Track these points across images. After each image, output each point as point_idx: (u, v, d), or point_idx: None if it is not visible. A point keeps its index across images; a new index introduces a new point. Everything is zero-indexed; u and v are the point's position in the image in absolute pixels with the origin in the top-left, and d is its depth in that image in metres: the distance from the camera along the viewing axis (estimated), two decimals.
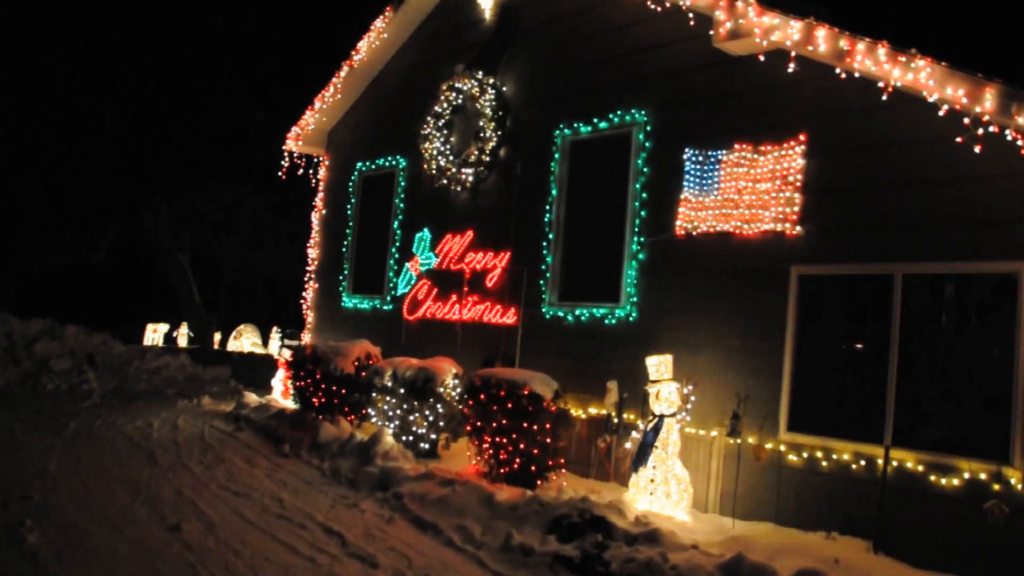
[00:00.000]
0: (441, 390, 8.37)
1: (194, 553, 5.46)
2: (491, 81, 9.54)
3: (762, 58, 6.86)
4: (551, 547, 6.05)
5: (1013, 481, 5.38)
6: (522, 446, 7.39)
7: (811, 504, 6.39)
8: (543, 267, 8.82)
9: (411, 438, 8.46)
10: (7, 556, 5.15)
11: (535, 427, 7.37)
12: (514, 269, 9.11)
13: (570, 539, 6.12)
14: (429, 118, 10.32)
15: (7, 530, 5.65)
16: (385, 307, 10.96)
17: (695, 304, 7.41)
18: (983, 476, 5.51)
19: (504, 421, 7.43)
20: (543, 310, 8.74)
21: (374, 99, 11.74)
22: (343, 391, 9.35)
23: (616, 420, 7.57)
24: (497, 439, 7.49)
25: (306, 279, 12.59)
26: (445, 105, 10.13)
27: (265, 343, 20.37)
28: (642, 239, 7.87)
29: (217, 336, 20.26)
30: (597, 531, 6.10)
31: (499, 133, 9.41)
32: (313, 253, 12.64)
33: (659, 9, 7.72)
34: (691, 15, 7.37)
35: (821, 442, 6.38)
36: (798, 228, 6.72)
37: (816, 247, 6.63)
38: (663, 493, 6.78)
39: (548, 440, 7.46)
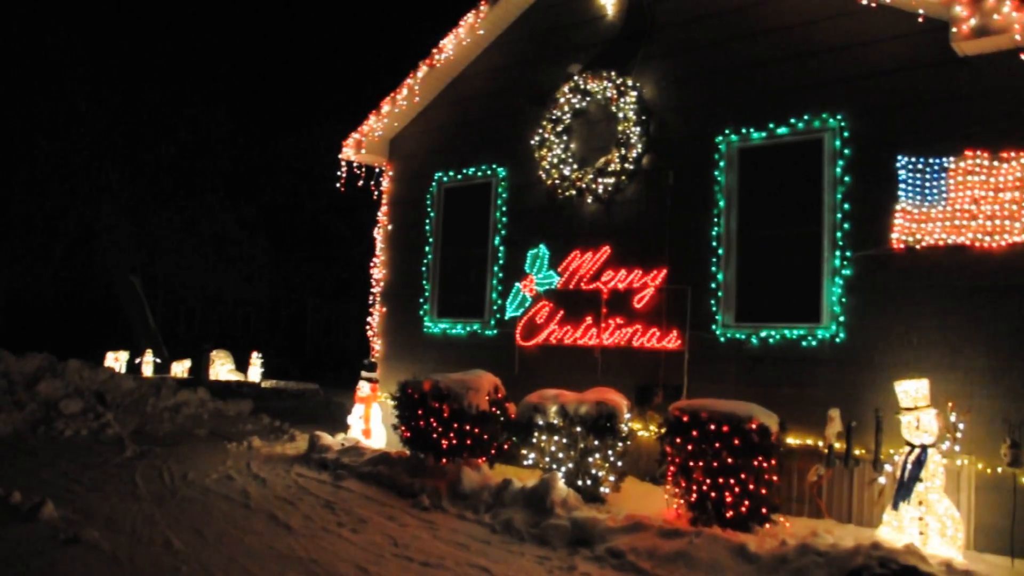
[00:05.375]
0: (622, 427, 7.49)
1: None
2: (630, 82, 8.73)
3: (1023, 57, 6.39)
4: None
5: None
6: (751, 486, 6.62)
7: None
8: (712, 285, 8.08)
9: (589, 482, 7.51)
10: None
11: (765, 464, 6.64)
12: (672, 288, 8.32)
13: None
14: (545, 123, 9.38)
15: None
16: (488, 332, 9.90)
17: (922, 322, 6.87)
18: None
19: (729, 459, 6.65)
20: (716, 332, 8.00)
21: (455, 102, 10.66)
22: (476, 430, 8.27)
23: (840, 452, 6.93)
24: (719, 479, 6.69)
25: (370, 303, 11.32)
26: (566, 109, 9.23)
27: (241, 369, 18.64)
28: (848, 253, 7.28)
29: (187, 363, 18.34)
30: None
31: (644, 139, 8.61)
32: (378, 273, 11.37)
33: (874, 4, 7.16)
34: (920, 12, 6.84)
35: None
36: None
37: None
38: (935, 531, 6.17)
39: (776, 478, 6.74)
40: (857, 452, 6.98)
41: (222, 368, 17.91)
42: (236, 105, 18.67)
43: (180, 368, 18.24)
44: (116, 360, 17.40)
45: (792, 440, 7.36)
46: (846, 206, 7.35)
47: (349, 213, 21.71)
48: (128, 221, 17.67)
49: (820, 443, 7.22)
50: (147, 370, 17.98)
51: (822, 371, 7.35)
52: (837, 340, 7.29)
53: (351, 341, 26.18)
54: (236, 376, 17.88)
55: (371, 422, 10.07)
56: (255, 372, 18.06)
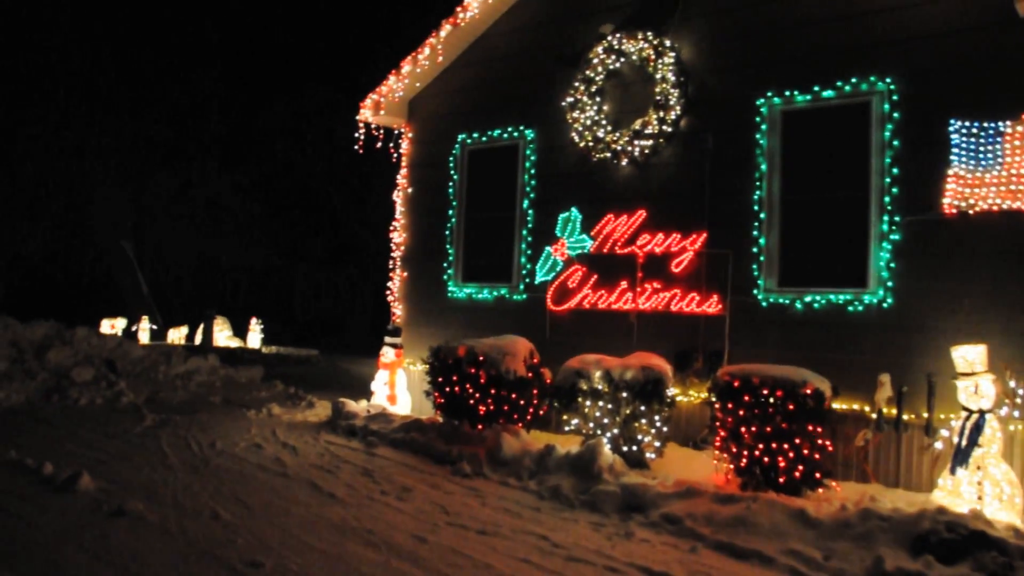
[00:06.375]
0: (667, 392, 7.45)
1: None
2: (668, 43, 8.54)
3: None
4: (939, 571, 5.35)
5: None
6: (805, 452, 6.63)
7: None
8: (754, 250, 8.01)
9: (634, 447, 7.48)
10: None
11: (819, 429, 6.64)
12: (712, 252, 8.24)
13: (951, 559, 5.43)
14: (577, 84, 9.18)
15: None
16: (516, 297, 9.76)
17: (975, 288, 6.87)
18: None
19: (783, 424, 6.63)
20: (758, 297, 7.95)
21: (478, 63, 10.38)
22: (513, 396, 8.19)
23: (889, 417, 6.95)
24: (772, 445, 6.68)
25: (391, 267, 11.11)
26: (599, 69, 9.02)
27: (239, 335, 18.37)
28: (896, 218, 7.23)
29: (184, 329, 18.02)
30: (985, 548, 5.45)
31: (682, 101, 8.45)
32: (399, 237, 11.15)
33: None
34: None
35: None
36: None
37: None
38: (992, 496, 6.22)
39: (829, 443, 6.75)
40: (906, 417, 6.98)
41: (220, 334, 17.62)
42: (230, 66, 18.13)
43: (177, 335, 17.92)
44: (112, 327, 17.05)
45: (838, 405, 7.35)
46: (895, 170, 7.28)
47: (343, 178, 21.36)
48: (120, 185, 17.19)
49: (867, 408, 7.24)
50: (143, 337, 17.63)
51: (869, 336, 7.33)
52: (885, 305, 7.26)
53: (341, 306, 25.94)
54: (235, 342, 17.61)
55: (396, 388, 9.94)
56: (255, 338, 17.79)
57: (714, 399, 7.00)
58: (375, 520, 6.16)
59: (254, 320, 17.77)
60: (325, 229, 23.58)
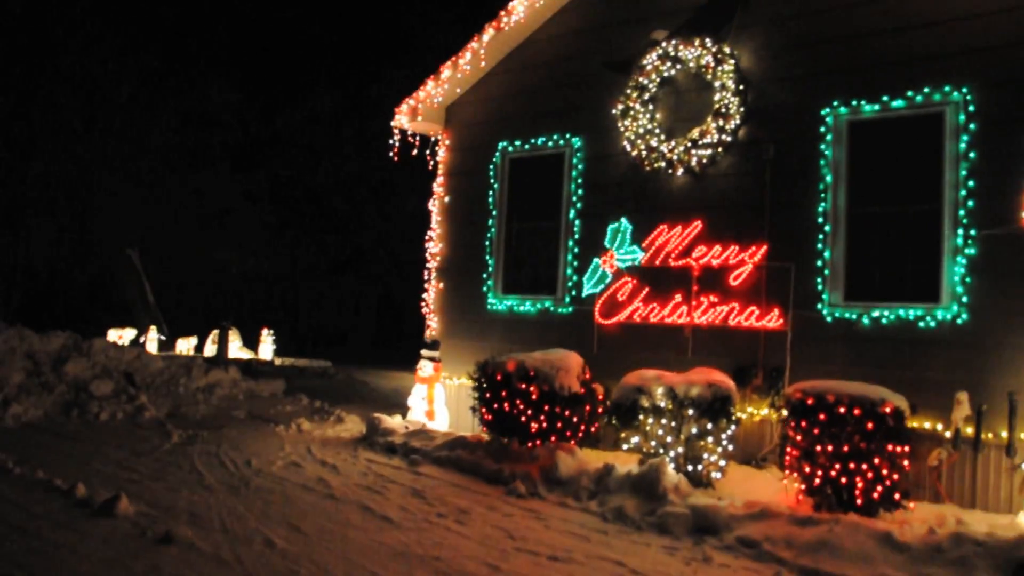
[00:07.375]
0: (733, 409, 7.18)
1: None
2: (727, 50, 8.30)
3: None
4: None
5: None
6: (884, 472, 6.36)
7: None
8: (819, 263, 7.76)
9: (699, 467, 7.19)
10: None
11: (899, 448, 6.38)
12: (773, 265, 7.98)
13: None
14: (629, 91, 8.92)
15: None
16: (561, 309, 9.46)
17: None
18: None
19: (862, 444, 6.37)
20: (822, 311, 7.69)
21: (522, 68, 10.11)
22: (567, 413, 7.89)
23: (967, 436, 6.70)
24: (850, 465, 6.41)
25: (426, 278, 10.79)
26: (653, 76, 8.77)
27: (249, 345, 17.96)
28: (972, 232, 7.00)
29: (193, 340, 17.59)
30: None
31: (742, 110, 8.22)
32: (435, 247, 10.83)
33: None
34: None
35: None
36: None
37: None
38: None
39: (907, 463, 6.49)
40: (983, 436, 6.74)
41: (231, 345, 17.19)
42: (241, 73, 17.85)
43: (186, 345, 17.49)
44: (120, 338, 16.60)
45: (910, 424, 7.10)
46: (970, 183, 7.06)
47: (348, 189, 21.06)
48: (130, 192, 16.82)
49: (939, 426, 7.01)
50: (151, 347, 17.19)
51: (941, 353, 7.09)
52: (959, 321, 7.02)
53: (345, 317, 25.59)
54: (247, 353, 17.21)
55: (435, 403, 9.60)
56: (266, 349, 17.39)
57: (786, 416, 6.73)
58: (439, 546, 5.84)
59: (265, 331, 17.38)
60: (333, 238, 23.27)
